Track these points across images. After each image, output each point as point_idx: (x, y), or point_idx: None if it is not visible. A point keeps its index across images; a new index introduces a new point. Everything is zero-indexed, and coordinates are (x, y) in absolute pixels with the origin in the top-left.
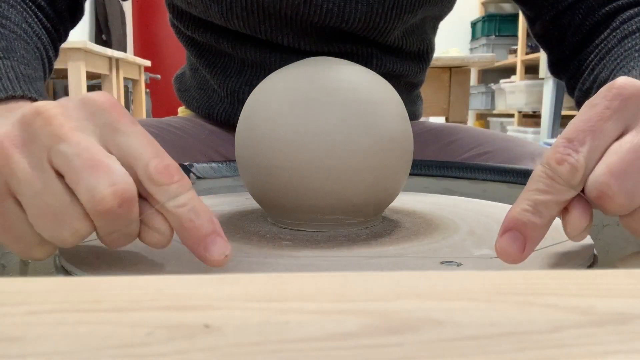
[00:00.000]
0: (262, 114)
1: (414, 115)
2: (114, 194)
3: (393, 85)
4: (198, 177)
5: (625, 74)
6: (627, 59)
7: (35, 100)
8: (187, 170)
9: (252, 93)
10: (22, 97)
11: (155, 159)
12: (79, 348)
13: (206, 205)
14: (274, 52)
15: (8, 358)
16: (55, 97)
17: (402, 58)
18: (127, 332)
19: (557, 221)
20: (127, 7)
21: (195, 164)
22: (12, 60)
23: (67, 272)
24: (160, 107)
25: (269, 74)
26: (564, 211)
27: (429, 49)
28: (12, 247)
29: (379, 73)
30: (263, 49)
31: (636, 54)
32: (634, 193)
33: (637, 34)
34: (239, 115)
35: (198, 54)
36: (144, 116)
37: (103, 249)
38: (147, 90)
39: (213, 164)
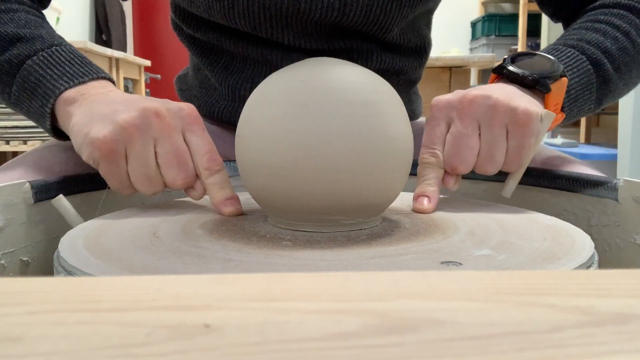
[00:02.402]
0: (262, 114)
1: (413, 114)
2: (185, 184)
3: (392, 82)
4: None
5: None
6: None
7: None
8: None
9: (252, 94)
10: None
11: (207, 154)
12: (79, 348)
13: (231, 186)
14: (275, 49)
15: (8, 358)
16: None
17: (401, 54)
18: (127, 332)
19: (555, 222)
20: (127, 7)
21: None
22: (66, 46)
23: (67, 272)
24: None
25: (270, 70)
26: (442, 181)
27: (427, 44)
28: (111, 183)
29: (378, 69)
30: (265, 46)
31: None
32: (467, 159)
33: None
34: (239, 113)
35: (200, 53)
36: None
37: (103, 249)
38: (147, 90)
39: None
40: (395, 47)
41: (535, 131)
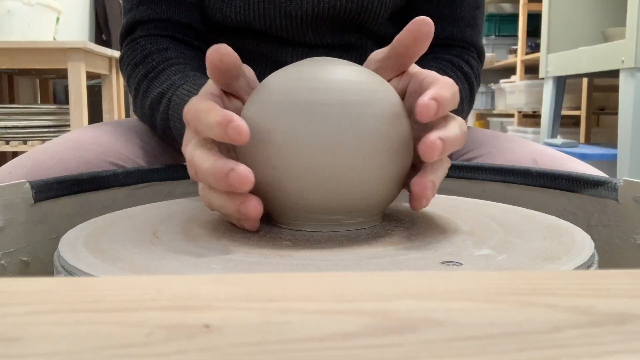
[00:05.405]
0: (262, 114)
1: None
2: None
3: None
4: None
5: None
6: None
7: None
8: (187, 170)
9: (251, 94)
10: None
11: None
12: (79, 348)
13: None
14: (271, 43)
15: (8, 358)
16: (55, 96)
17: None
18: (127, 332)
19: (557, 222)
20: None
21: None
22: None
23: (67, 272)
24: None
25: (265, 64)
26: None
27: None
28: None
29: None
30: (260, 41)
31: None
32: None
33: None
34: None
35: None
36: None
37: (103, 249)
38: None
39: None
40: (389, 41)
41: None
